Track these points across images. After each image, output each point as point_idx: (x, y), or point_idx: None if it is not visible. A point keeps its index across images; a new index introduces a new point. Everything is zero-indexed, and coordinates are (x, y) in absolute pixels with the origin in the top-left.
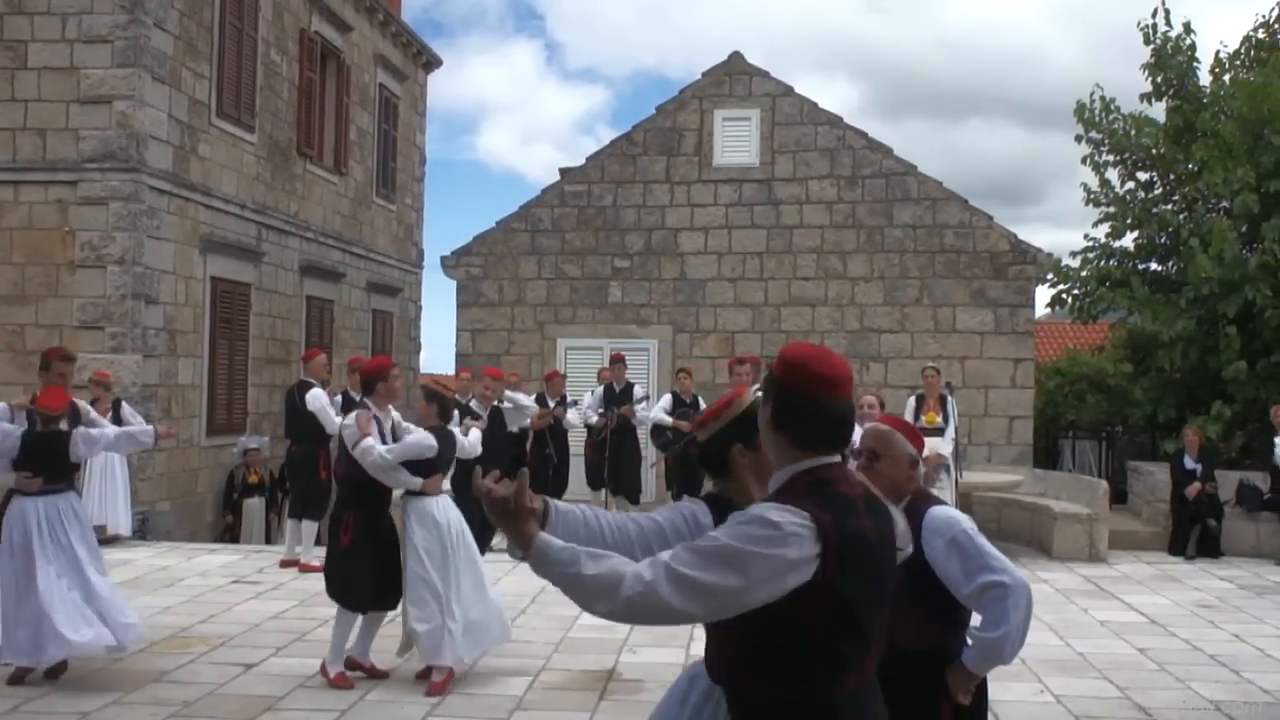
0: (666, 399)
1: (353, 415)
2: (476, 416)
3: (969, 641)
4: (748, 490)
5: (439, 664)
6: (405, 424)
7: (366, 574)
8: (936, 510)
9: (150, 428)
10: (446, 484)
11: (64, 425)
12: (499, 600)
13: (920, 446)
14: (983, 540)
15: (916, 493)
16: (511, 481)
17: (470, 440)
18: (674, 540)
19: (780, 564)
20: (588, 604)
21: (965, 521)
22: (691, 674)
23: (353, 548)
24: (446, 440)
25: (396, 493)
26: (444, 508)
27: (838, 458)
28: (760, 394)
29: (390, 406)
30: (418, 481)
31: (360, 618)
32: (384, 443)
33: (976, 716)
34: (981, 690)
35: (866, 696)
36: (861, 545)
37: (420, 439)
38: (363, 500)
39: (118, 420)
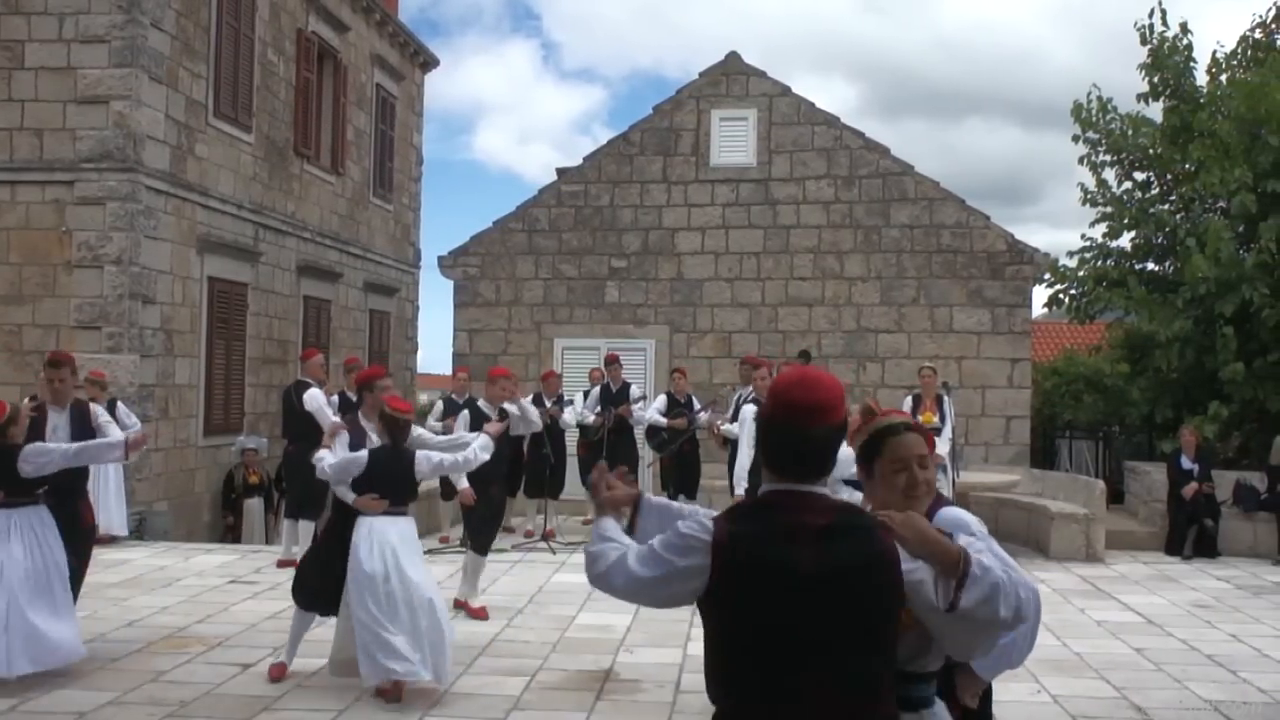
0: (661, 400)
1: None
2: (487, 418)
3: None
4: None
5: (375, 683)
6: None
7: (319, 575)
8: (946, 511)
9: (121, 439)
10: (467, 485)
11: (52, 430)
12: (446, 644)
13: (931, 446)
14: (993, 543)
15: None
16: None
17: (472, 451)
18: None
19: (674, 570)
20: (587, 573)
21: (976, 523)
22: None
23: (319, 548)
24: (396, 462)
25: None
26: (375, 529)
27: (812, 486)
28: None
29: None
30: (352, 496)
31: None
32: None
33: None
34: (986, 694)
35: None
36: (764, 567)
37: (353, 458)
38: (340, 505)
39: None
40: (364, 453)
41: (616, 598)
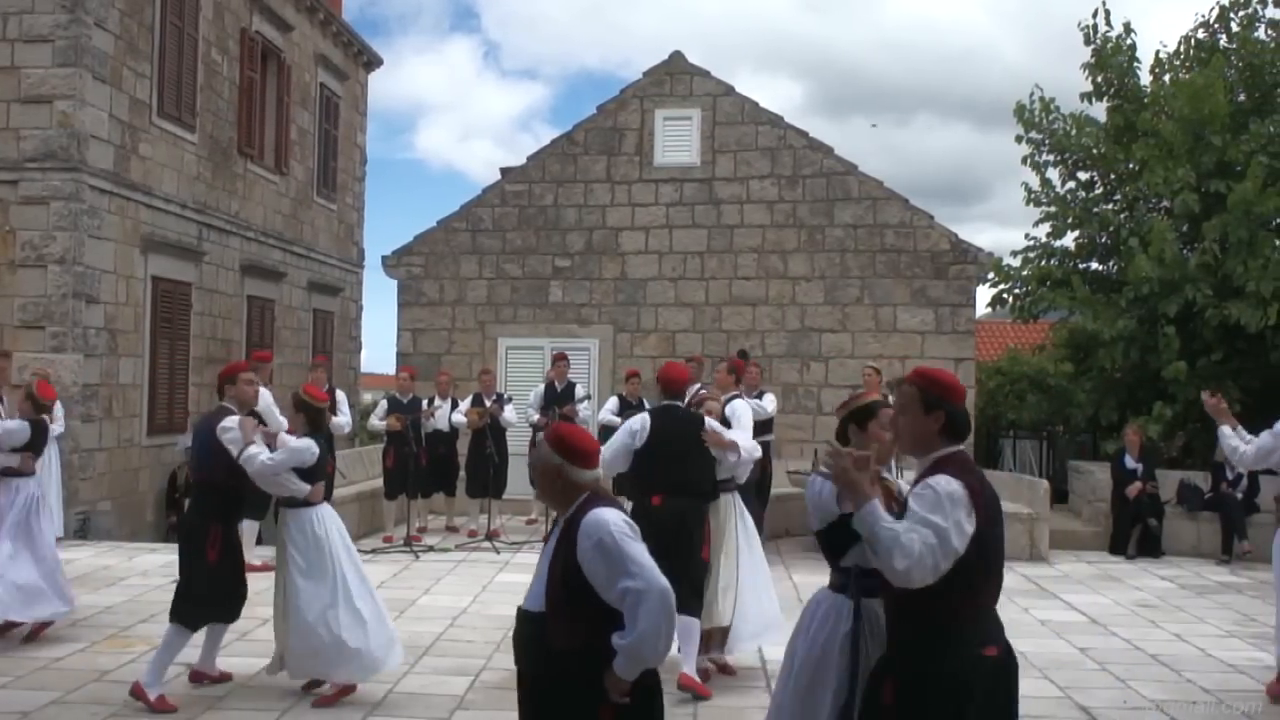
0: (613, 401)
1: (234, 419)
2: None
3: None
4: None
5: (330, 680)
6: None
7: (226, 588)
8: (593, 513)
9: None
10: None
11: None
12: (391, 626)
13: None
14: (630, 544)
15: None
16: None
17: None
18: None
19: (963, 531)
20: (900, 565)
21: (615, 524)
22: (817, 599)
23: (219, 563)
24: (321, 451)
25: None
26: (323, 519)
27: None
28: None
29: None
30: (306, 488)
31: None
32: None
33: (643, 717)
34: (651, 692)
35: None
36: (995, 500)
37: (306, 445)
38: (226, 511)
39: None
40: (310, 440)
41: (922, 584)
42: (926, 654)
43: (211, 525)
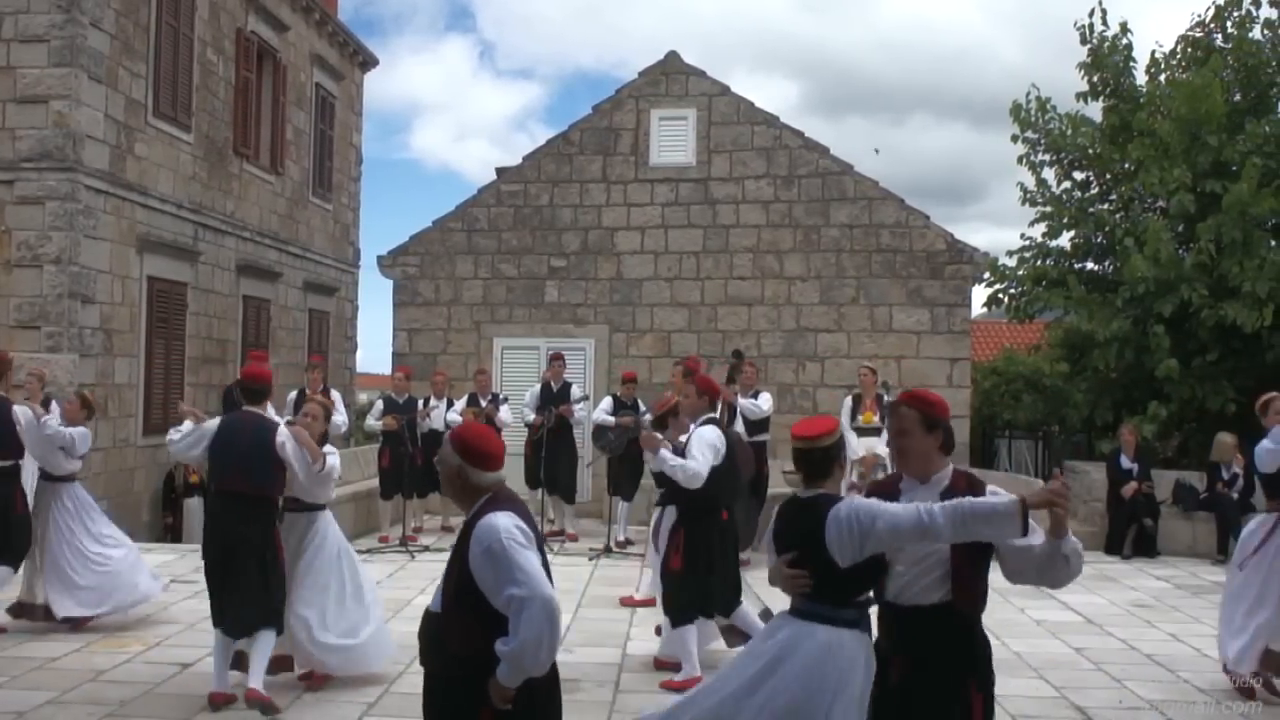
0: (607, 401)
1: (286, 435)
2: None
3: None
4: (837, 486)
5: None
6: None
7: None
8: (486, 518)
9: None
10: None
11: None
12: (383, 627)
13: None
14: (519, 551)
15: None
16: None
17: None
18: None
19: None
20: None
21: (505, 531)
22: (829, 642)
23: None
24: None
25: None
26: (327, 519)
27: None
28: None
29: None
30: (333, 494)
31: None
32: None
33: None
34: (534, 698)
35: None
36: None
37: (337, 455)
38: (276, 515)
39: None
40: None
41: None
42: (985, 647)
43: (276, 532)
